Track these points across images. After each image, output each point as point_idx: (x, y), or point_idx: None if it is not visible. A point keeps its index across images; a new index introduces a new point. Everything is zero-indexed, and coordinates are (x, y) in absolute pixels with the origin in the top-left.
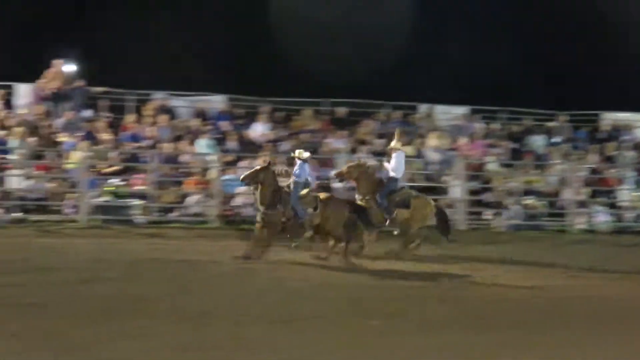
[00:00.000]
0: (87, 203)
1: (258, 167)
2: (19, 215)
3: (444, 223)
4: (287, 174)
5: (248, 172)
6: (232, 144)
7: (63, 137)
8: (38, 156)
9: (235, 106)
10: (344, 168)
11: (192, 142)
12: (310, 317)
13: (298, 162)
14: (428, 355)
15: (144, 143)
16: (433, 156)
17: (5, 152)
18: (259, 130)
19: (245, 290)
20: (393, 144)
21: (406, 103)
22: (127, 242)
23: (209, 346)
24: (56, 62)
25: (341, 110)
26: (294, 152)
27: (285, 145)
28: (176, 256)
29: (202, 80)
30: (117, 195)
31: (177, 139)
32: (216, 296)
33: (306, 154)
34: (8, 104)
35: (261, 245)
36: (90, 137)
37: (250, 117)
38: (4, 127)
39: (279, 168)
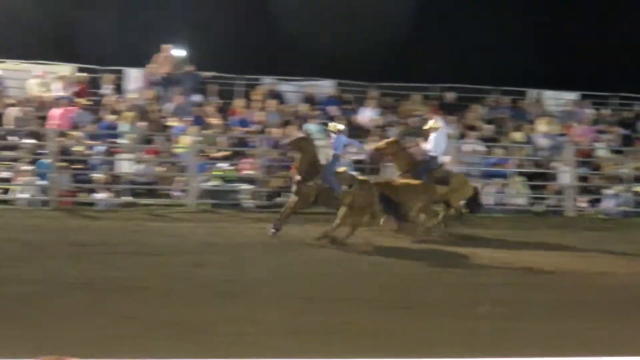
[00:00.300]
0: (196, 187)
1: (300, 135)
2: (129, 199)
3: (475, 202)
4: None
5: (290, 139)
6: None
7: (172, 122)
8: (148, 140)
9: (344, 91)
10: (381, 143)
11: (300, 127)
12: (422, 302)
13: (334, 135)
14: (549, 342)
15: (252, 128)
16: (542, 142)
17: (116, 136)
18: (367, 115)
19: (355, 274)
20: (431, 123)
21: (515, 88)
22: (236, 226)
23: (318, 331)
24: (166, 47)
25: (450, 96)
26: (328, 126)
27: (393, 131)
28: (283, 240)
29: (311, 65)
30: (225, 179)
31: (286, 124)
32: (324, 280)
33: (341, 126)
34: (118, 89)
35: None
36: (200, 121)
37: (359, 102)
38: (114, 112)
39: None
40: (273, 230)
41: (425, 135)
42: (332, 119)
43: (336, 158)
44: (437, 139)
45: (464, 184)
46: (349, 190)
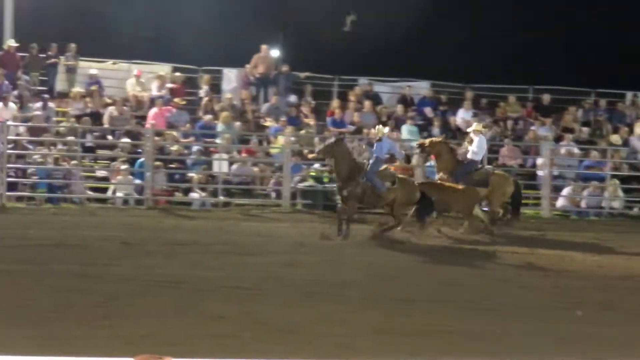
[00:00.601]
0: (291, 188)
1: (331, 141)
2: (224, 198)
3: (517, 202)
4: (362, 149)
5: (321, 146)
6: (435, 130)
7: (268, 122)
8: (243, 140)
9: (439, 92)
10: (426, 141)
11: (395, 128)
12: (516, 306)
13: (377, 139)
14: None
15: (347, 128)
16: (639, 145)
17: (212, 136)
18: (462, 116)
19: (448, 277)
20: (475, 126)
21: (612, 90)
22: (329, 227)
23: (408, 332)
24: (262, 48)
25: (546, 98)
26: (374, 129)
27: (489, 133)
28: (376, 242)
29: (406, 66)
30: (320, 180)
31: (383, 124)
32: (417, 282)
33: (386, 130)
34: (215, 89)
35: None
36: (295, 122)
37: (454, 103)
38: (210, 112)
39: (355, 143)
40: (340, 235)
41: (469, 138)
42: (427, 120)
43: (379, 160)
44: (480, 141)
45: (504, 183)
46: (392, 187)
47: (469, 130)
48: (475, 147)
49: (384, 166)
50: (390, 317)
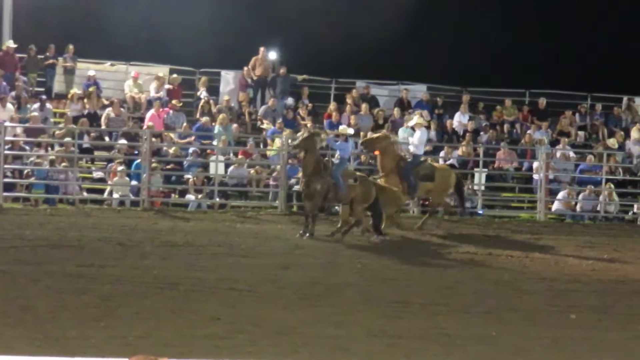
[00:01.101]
0: (287, 190)
1: (306, 135)
2: (220, 200)
3: (461, 193)
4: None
5: (297, 140)
6: (432, 133)
7: (265, 124)
8: (240, 142)
9: (436, 95)
10: (374, 136)
11: (392, 131)
12: (511, 309)
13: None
14: (636, 349)
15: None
16: (635, 149)
17: (208, 138)
18: (459, 120)
19: (443, 280)
20: (416, 119)
21: (609, 95)
22: (325, 229)
23: (404, 334)
24: (260, 50)
25: (542, 101)
26: (338, 129)
27: (485, 136)
28: (372, 245)
29: (403, 69)
30: None
31: (378, 127)
32: (413, 285)
33: (350, 131)
34: (213, 91)
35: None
36: (292, 124)
37: (451, 106)
38: (208, 114)
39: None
40: (305, 235)
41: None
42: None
43: (344, 160)
44: (421, 135)
45: (447, 176)
46: (352, 185)
47: (409, 123)
48: (416, 141)
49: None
50: (386, 319)
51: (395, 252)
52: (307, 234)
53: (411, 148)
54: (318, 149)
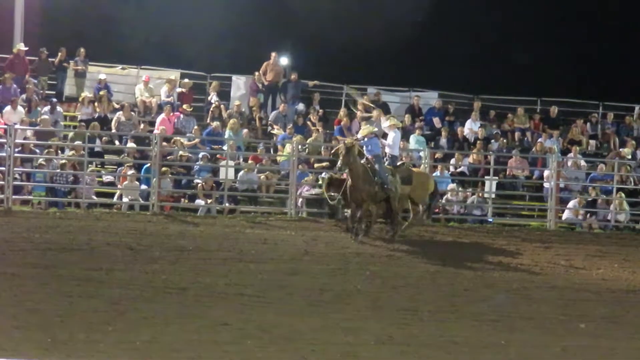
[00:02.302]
0: (297, 196)
1: (343, 152)
2: (230, 205)
3: (435, 199)
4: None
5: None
6: (443, 140)
7: (275, 130)
8: (250, 148)
9: (448, 103)
10: (339, 147)
11: (403, 138)
12: (521, 317)
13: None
14: None
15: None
16: None
17: (219, 143)
18: (470, 127)
19: (452, 288)
20: (390, 121)
21: (621, 104)
22: (334, 235)
23: (413, 342)
24: (272, 55)
25: (553, 110)
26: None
27: (496, 144)
28: (382, 252)
29: (415, 76)
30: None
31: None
32: (422, 292)
33: (374, 128)
34: (224, 95)
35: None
36: (302, 130)
37: (463, 114)
38: (219, 118)
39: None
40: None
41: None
42: (434, 130)
43: (378, 158)
44: (395, 137)
45: (425, 180)
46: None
47: (383, 125)
48: (391, 142)
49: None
50: (395, 326)
51: (405, 259)
52: (360, 236)
53: (387, 150)
54: (357, 158)
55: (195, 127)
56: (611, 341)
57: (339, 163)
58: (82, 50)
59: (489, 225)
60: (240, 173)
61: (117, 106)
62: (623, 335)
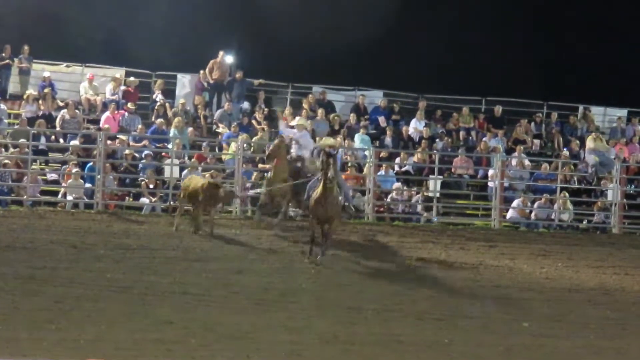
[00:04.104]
0: (242, 194)
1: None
2: (174, 204)
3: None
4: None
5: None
6: (388, 139)
7: (220, 128)
8: (195, 146)
9: (393, 102)
10: (271, 148)
11: (347, 137)
12: (464, 316)
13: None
14: (587, 357)
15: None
16: (590, 158)
17: (164, 141)
18: (415, 126)
19: (397, 287)
20: (297, 120)
21: (564, 104)
22: (280, 233)
23: (357, 341)
24: (219, 53)
25: (497, 109)
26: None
27: (440, 143)
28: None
29: (360, 75)
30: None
31: (334, 133)
32: (367, 291)
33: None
34: (169, 94)
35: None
36: (247, 128)
37: (408, 113)
38: (163, 117)
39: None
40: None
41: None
42: (379, 129)
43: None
44: (304, 136)
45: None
46: None
47: (291, 124)
48: (300, 141)
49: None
50: (340, 325)
51: (349, 258)
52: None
53: (295, 151)
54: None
55: (140, 125)
56: (555, 340)
57: (329, 174)
58: (26, 47)
59: (433, 225)
60: (185, 172)
61: (61, 104)
62: (566, 334)
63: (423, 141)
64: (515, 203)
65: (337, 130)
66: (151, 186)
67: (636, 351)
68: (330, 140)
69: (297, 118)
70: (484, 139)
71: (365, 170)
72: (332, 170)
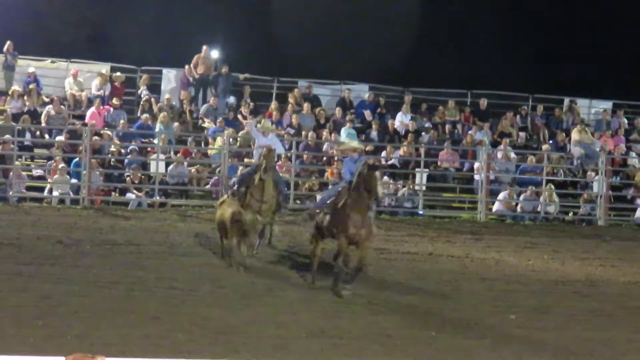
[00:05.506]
0: (228, 188)
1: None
2: (161, 199)
3: None
4: None
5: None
6: (374, 133)
7: (206, 123)
8: (181, 141)
9: (378, 95)
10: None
11: (334, 131)
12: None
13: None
14: (573, 348)
15: (286, 130)
16: (575, 151)
17: (149, 136)
18: (401, 120)
19: (383, 281)
20: (263, 123)
21: (550, 96)
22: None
23: (344, 334)
24: (203, 48)
25: (483, 102)
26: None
27: (426, 136)
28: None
29: (346, 69)
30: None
31: (319, 127)
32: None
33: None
34: (155, 89)
35: None
36: (233, 123)
37: (394, 107)
38: (149, 112)
39: None
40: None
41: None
42: (365, 123)
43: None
44: (276, 142)
45: None
46: None
47: (257, 127)
48: (254, 147)
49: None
50: (327, 319)
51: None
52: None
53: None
54: None
55: (122, 120)
56: (541, 332)
57: (380, 192)
58: (10, 43)
59: (419, 218)
60: (170, 167)
61: (46, 100)
62: (553, 326)
63: (409, 134)
64: (501, 196)
65: (323, 124)
66: (135, 180)
67: (623, 343)
68: (354, 144)
69: (263, 120)
70: (469, 132)
71: None
72: (380, 187)
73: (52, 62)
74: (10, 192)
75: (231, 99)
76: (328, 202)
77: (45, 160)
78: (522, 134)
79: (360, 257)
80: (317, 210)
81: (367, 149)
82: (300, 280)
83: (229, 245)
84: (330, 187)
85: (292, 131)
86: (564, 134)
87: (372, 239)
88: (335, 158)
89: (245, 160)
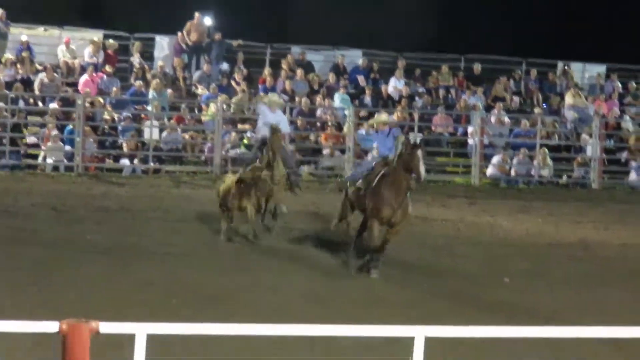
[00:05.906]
0: (221, 155)
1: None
2: (155, 165)
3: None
4: None
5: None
6: (367, 99)
7: (200, 89)
8: (174, 108)
9: (372, 61)
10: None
11: (327, 96)
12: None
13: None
14: (566, 312)
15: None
16: (569, 114)
17: (143, 103)
18: (394, 85)
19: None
20: (271, 96)
21: (543, 60)
22: None
23: (341, 299)
24: (196, 15)
25: (476, 67)
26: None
27: (420, 101)
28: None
29: (339, 34)
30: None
31: (313, 93)
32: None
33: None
34: (148, 56)
35: None
36: (227, 89)
37: (387, 72)
38: (142, 79)
39: None
40: None
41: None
42: (359, 88)
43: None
44: (283, 119)
45: None
46: None
47: (265, 101)
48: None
49: None
50: (323, 285)
51: (330, 216)
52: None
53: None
54: None
55: (115, 88)
56: (535, 295)
57: (422, 173)
58: (2, 11)
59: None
60: (164, 133)
61: (39, 68)
62: (547, 289)
63: (402, 100)
64: (495, 160)
65: (317, 90)
66: (129, 147)
67: (616, 306)
68: (383, 117)
69: (270, 94)
70: (463, 96)
71: (345, 129)
72: (422, 167)
73: (45, 30)
74: (4, 160)
75: (224, 66)
76: (361, 177)
77: (39, 128)
78: (516, 99)
79: (386, 239)
80: (348, 184)
81: (360, 114)
82: (296, 245)
83: (228, 218)
84: (361, 162)
85: (285, 97)
86: (558, 98)
87: (408, 223)
88: (329, 124)
89: (239, 126)
